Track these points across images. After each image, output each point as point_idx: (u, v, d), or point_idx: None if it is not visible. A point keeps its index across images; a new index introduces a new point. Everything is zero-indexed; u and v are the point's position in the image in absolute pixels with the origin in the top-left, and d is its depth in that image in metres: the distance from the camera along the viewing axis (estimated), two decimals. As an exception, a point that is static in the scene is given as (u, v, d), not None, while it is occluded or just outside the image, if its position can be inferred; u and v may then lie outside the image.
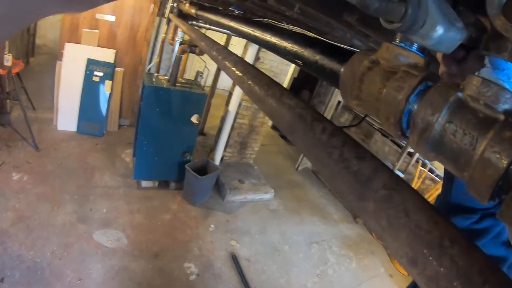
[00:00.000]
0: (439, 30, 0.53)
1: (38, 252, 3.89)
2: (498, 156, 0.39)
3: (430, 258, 0.36)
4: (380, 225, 0.43)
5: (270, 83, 0.81)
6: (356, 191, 0.47)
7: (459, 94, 0.47)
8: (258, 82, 0.85)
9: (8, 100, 5.80)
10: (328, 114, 7.77)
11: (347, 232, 6.34)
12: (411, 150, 6.09)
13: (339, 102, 7.92)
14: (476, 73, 0.48)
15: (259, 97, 0.81)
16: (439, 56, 0.67)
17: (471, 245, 0.35)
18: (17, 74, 5.68)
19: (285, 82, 8.91)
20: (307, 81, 10.45)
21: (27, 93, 6.52)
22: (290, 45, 1.12)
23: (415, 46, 0.60)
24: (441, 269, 0.34)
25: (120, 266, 4.08)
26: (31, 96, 6.65)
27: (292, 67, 8.87)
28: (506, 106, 0.44)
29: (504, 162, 0.39)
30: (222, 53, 1.23)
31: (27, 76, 6.98)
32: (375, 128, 7.23)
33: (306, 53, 1.01)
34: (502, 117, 0.43)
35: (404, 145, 6.28)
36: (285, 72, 6.73)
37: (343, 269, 5.33)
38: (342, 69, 0.74)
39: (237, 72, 1.00)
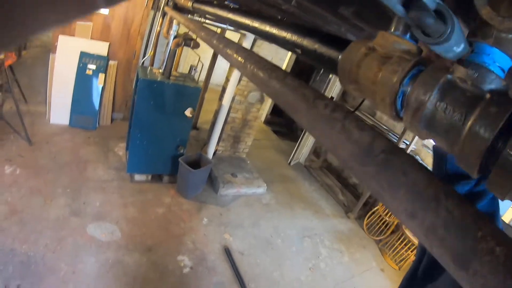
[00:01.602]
0: (461, 46, 0.58)
1: (31, 245, 3.88)
2: (484, 129, 0.44)
3: (428, 210, 0.39)
4: (381, 186, 0.46)
5: (272, 67, 0.84)
6: (358, 158, 0.51)
7: (449, 76, 0.51)
8: (261, 67, 0.88)
9: (0, 93, 5.77)
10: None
11: (339, 227, 6.40)
12: (402, 146, 6.16)
13: (332, 97, 7.96)
14: (465, 58, 0.53)
15: (263, 80, 0.85)
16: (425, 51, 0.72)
17: (464, 199, 0.39)
18: (10, 66, 5.63)
19: (278, 78, 8.90)
20: (301, 76, 10.49)
21: (19, 86, 6.47)
22: (289, 34, 1.15)
23: (408, 34, 0.64)
24: (438, 219, 0.38)
25: (114, 260, 4.10)
26: (23, 89, 6.59)
27: (286, 61, 8.89)
28: (492, 86, 0.49)
29: (490, 135, 0.43)
30: (223, 41, 1.25)
31: (20, 69, 6.94)
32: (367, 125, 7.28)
33: (305, 42, 1.04)
34: (487, 95, 0.47)
35: (395, 141, 6.34)
36: (279, 66, 6.75)
37: (335, 263, 5.39)
38: (340, 56, 0.78)
39: (239, 58, 1.02)
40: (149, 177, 5.73)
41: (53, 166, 5.25)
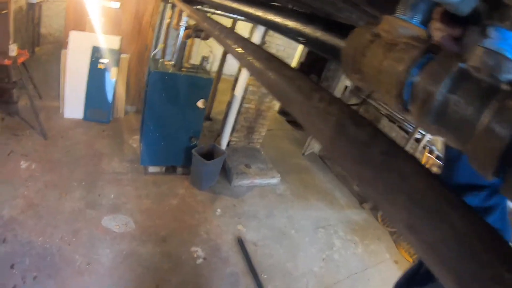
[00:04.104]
0: None
1: (47, 238, 3.94)
2: (502, 126, 0.38)
3: (428, 223, 0.35)
4: (377, 191, 0.42)
5: (269, 58, 0.81)
6: (353, 157, 0.47)
7: (461, 64, 0.46)
8: (257, 57, 0.85)
9: (15, 90, 5.82)
10: (334, 99, 7.68)
11: (354, 218, 6.34)
12: (418, 136, 6.05)
13: (346, 86, 7.85)
14: (479, 44, 0.47)
15: (259, 71, 0.82)
16: (436, 34, 0.66)
17: (471, 211, 0.34)
18: (23, 63, 5.67)
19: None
20: (315, 66, 10.34)
21: (33, 83, 6.54)
22: (292, 23, 1.11)
23: (416, 19, 0.59)
24: (439, 235, 0.33)
25: (128, 251, 4.13)
26: (37, 85, 6.66)
27: (299, 51, 8.78)
28: (510, 76, 0.43)
29: (509, 132, 0.38)
30: (224, 31, 1.22)
31: (33, 65, 6.97)
32: (382, 114, 7.17)
33: (308, 30, 1.00)
34: (505, 87, 0.42)
35: (411, 131, 6.23)
36: (292, 56, 6.68)
37: (349, 254, 5.34)
38: (343, 44, 0.73)
39: (237, 49, 0.99)
40: (163, 169, 5.75)
41: (68, 160, 5.30)
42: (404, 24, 0.58)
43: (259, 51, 0.86)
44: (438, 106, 0.46)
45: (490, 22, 0.47)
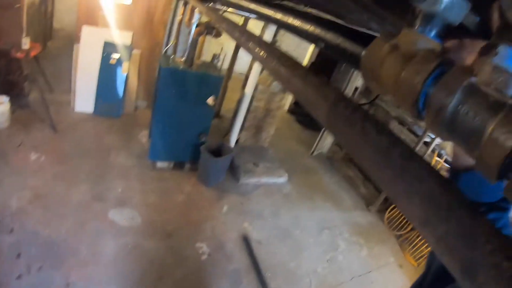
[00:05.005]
0: None
1: (53, 229, 4.00)
2: (505, 136, 0.43)
3: (440, 219, 0.40)
4: (397, 192, 0.47)
5: (295, 64, 0.86)
6: (376, 161, 0.51)
7: (472, 79, 0.50)
8: (283, 63, 0.89)
9: (26, 83, 5.90)
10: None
11: (359, 220, 6.33)
12: (427, 139, 6.03)
13: (356, 88, 7.85)
14: (488, 60, 0.51)
15: (285, 77, 0.86)
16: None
17: (476, 210, 0.39)
18: (35, 57, 5.72)
19: (301, 67, 8.66)
20: (325, 67, 10.33)
21: (45, 76, 6.59)
22: (312, 27, 1.15)
23: (433, 33, 0.63)
24: (449, 229, 0.38)
25: (134, 244, 4.18)
26: (48, 79, 6.72)
27: (309, 51, 8.77)
28: (517, 92, 0.47)
29: (510, 142, 0.42)
30: (245, 34, 1.25)
31: (45, 59, 7.04)
32: (392, 116, 7.15)
33: (328, 36, 1.06)
34: (511, 101, 0.46)
35: (420, 134, 6.21)
36: (302, 56, 6.69)
37: (353, 256, 5.34)
38: (363, 53, 0.78)
39: (261, 53, 1.02)
40: (171, 164, 5.79)
41: (77, 153, 5.36)
42: (422, 37, 0.62)
43: (284, 57, 0.90)
44: (450, 117, 0.51)
45: (500, 41, 0.50)
